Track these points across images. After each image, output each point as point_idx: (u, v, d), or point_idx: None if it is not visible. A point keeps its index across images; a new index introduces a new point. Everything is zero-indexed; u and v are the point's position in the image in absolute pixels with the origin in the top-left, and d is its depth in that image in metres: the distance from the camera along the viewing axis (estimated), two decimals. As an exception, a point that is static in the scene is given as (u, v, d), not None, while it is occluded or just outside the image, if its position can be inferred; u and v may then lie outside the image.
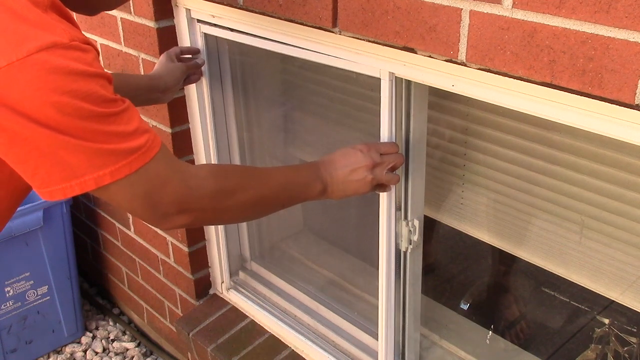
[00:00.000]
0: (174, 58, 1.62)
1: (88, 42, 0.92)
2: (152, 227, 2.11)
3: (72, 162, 0.90)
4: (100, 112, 0.90)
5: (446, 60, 1.11)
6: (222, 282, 2.07)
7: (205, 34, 1.67)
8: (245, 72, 1.85)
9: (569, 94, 0.97)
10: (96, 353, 2.50)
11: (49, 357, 2.50)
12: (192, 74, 1.67)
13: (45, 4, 0.91)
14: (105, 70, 0.94)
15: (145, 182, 0.97)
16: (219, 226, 1.96)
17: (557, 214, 1.39)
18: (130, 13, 1.75)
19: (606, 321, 1.79)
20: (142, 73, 1.81)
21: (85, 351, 2.52)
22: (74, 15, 1.07)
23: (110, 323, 2.65)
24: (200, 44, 1.69)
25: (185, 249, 2.00)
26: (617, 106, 0.93)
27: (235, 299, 2.04)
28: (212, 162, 1.85)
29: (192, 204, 1.05)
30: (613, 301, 1.40)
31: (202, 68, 1.70)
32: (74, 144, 0.89)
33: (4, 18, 0.86)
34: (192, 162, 1.90)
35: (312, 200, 1.24)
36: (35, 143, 0.88)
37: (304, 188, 1.21)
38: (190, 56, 1.68)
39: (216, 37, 1.71)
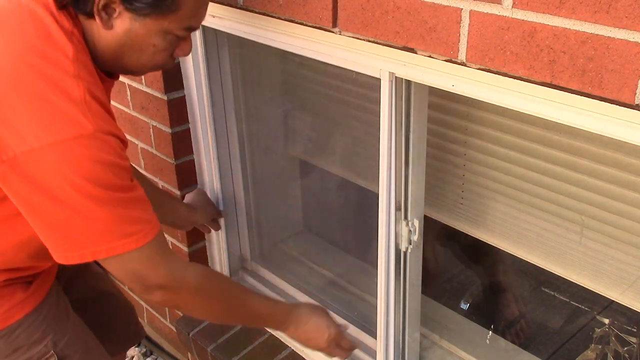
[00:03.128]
0: (210, 200, 1.89)
1: (114, 134, 1.08)
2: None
3: (76, 236, 1.08)
4: (109, 195, 1.06)
5: (446, 60, 1.11)
6: (222, 282, 2.07)
7: (204, 31, 1.67)
8: (245, 71, 1.85)
9: (569, 94, 0.97)
10: (96, 353, 2.50)
11: (49, 357, 2.50)
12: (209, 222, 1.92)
13: (81, 94, 1.05)
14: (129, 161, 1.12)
15: (137, 262, 1.13)
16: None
17: (557, 214, 1.39)
18: (130, 13, 1.74)
19: (606, 321, 1.79)
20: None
21: (85, 351, 2.52)
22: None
23: (110, 323, 2.64)
24: (199, 43, 1.69)
25: (186, 249, 2.00)
26: (617, 106, 0.93)
27: (235, 299, 2.04)
28: (215, 170, 1.86)
29: (172, 291, 1.21)
30: (613, 301, 1.40)
31: (202, 66, 1.71)
32: (80, 221, 1.06)
33: (45, 106, 1.03)
34: (193, 162, 1.90)
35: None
36: (49, 216, 1.07)
37: (270, 322, 1.46)
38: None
39: (216, 38, 1.71)
